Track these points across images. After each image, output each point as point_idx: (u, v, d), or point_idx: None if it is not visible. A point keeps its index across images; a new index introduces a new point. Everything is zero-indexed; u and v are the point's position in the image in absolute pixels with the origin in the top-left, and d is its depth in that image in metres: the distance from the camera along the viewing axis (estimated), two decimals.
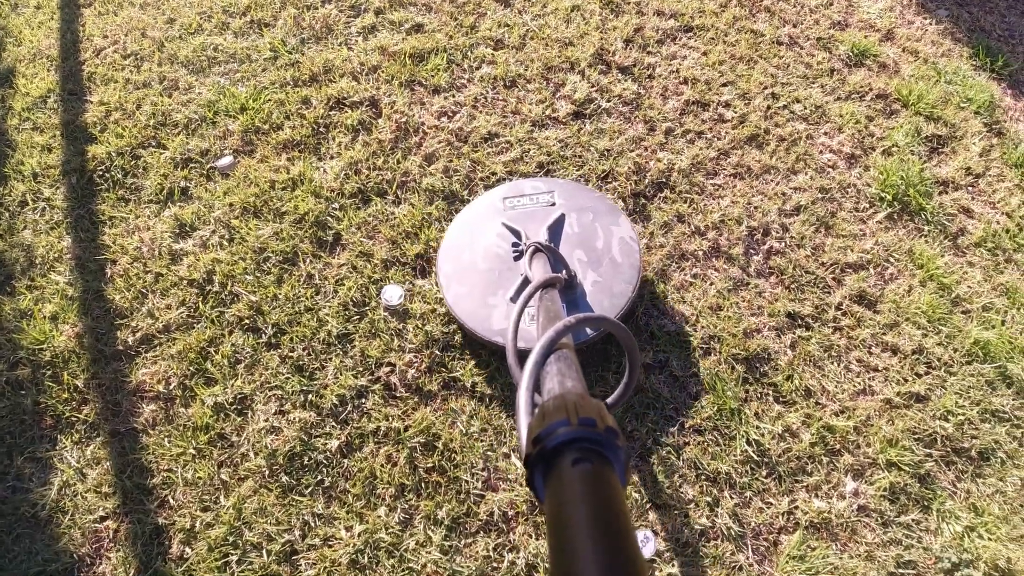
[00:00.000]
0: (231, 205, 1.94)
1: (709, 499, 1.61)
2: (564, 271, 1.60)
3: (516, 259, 1.76)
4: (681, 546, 1.55)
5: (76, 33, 2.44)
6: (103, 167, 2.07)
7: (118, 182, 2.04)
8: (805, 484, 1.64)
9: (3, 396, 1.78)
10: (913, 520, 1.60)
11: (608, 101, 2.11)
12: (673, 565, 1.53)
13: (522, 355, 0.96)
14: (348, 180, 1.96)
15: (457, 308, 1.70)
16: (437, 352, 1.72)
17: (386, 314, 1.76)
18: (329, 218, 1.91)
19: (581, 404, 0.55)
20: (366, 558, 1.52)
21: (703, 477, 1.63)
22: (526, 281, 1.65)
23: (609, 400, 0.99)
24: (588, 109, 2.09)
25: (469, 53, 2.21)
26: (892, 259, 1.99)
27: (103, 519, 1.62)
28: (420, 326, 1.74)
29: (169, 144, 2.08)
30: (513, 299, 1.70)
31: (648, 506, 1.59)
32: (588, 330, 1.64)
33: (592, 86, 2.13)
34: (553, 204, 1.84)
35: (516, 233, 1.79)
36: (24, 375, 1.79)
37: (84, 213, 2.01)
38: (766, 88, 2.28)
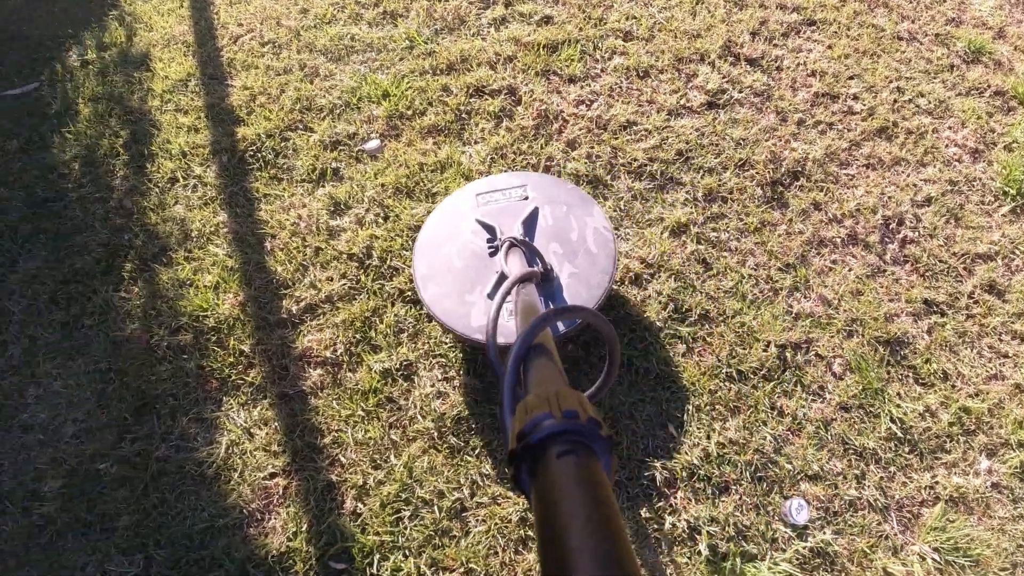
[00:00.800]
0: (383, 185, 2.07)
1: (857, 472, 1.70)
2: (540, 265, 1.64)
3: (492, 255, 1.77)
4: (831, 515, 1.65)
5: (209, 20, 2.59)
6: (253, 147, 2.22)
7: (269, 162, 2.18)
8: (944, 461, 1.73)
9: (165, 360, 1.91)
10: None
11: (740, 92, 2.21)
12: (825, 532, 1.64)
13: (502, 351, 1.02)
14: (495, 163, 2.08)
15: (435, 308, 1.72)
16: (592, 330, 1.81)
17: None
18: None
19: (563, 397, 0.56)
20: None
21: (850, 451, 1.72)
22: (503, 277, 1.65)
23: (590, 391, 1.00)
24: (721, 99, 2.19)
25: (600, 44, 2.33)
26: (1018, 251, 2.07)
27: (272, 476, 1.74)
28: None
29: (316, 127, 2.22)
30: (491, 296, 1.71)
31: (800, 476, 1.67)
32: (568, 321, 1.69)
33: (723, 77, 2.23)
34: (526, 198, 1.86)
35: (490, 229, 1.81)
36: (186, 340, 1.93)
37: (237, 190, 2.15)
38: (891, 82, 2.36)
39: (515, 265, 1.54)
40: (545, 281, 1.71)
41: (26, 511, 1.86)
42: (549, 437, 0.52)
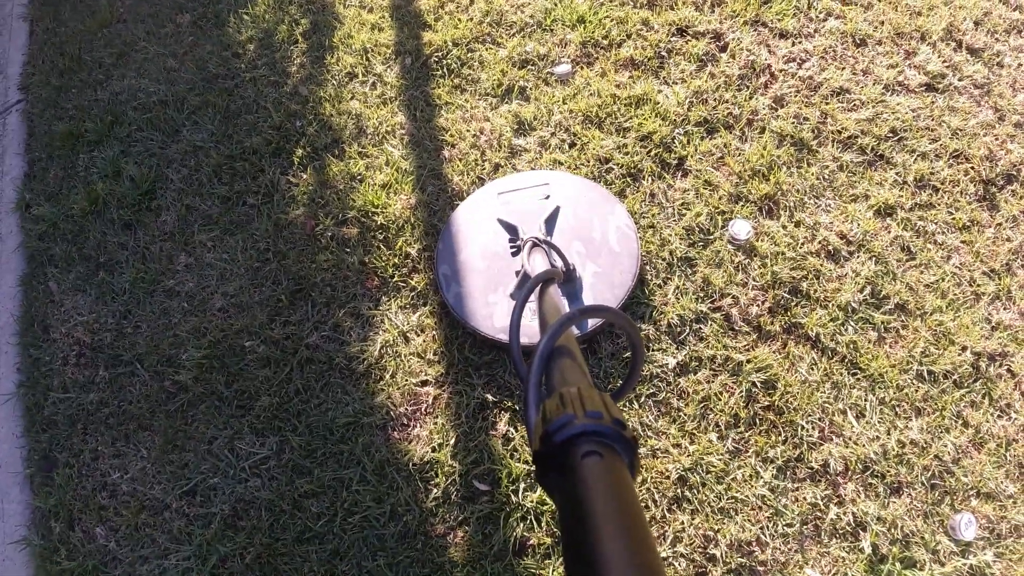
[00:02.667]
0: (572, 111, 2.00)
1: None
2: (562, 264, 1.63)
3: (514, 255, 1.79)
4: (996, 536, 1.56)
5: None
6: (439, 54, 2.17)
7: (454, 71, 2.13)
8: None
9: (327, 250, 1.89)
10: None
11: (959, 80, 2.07)
12: (987, 552, 1.55)
13: (525, 351, 0.94)
14: (693, 108, 1.99)
15: (459, 309, 1.74)
16: (783, 295, 1.74)
17: (731, 247, 1.78)
18: (674, 141, 1.94)
19: (586, 397, 0.55)
20: (695, 477, 1.56)
21: None
22: (525, 276, 1.66)
23: (614, 392, 0.95)
24: (940, 84, 2.05)
25: (815, 3, 2.20)
26: None
27: (424, 383, 1.72)
28: (767, 265, 1.76)
29: (506, 43, 2.16)
30: (513, 296, 1.73)
31: (972, 492, 1.57)
32: (584, 323, 1.66)
33: (944, 61, 2.09)
34: (548, 197, 1.85)
35: (512, 229, 1.82)
36: (352, 234, 1.90)
37: (418, 94, 2.11)
38: None
39: (537, 264, 1.54)
40: (568, 280, 1.69)
41: (158, 375, 1.88)
42: (573, 438, 0.52)
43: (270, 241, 1.98)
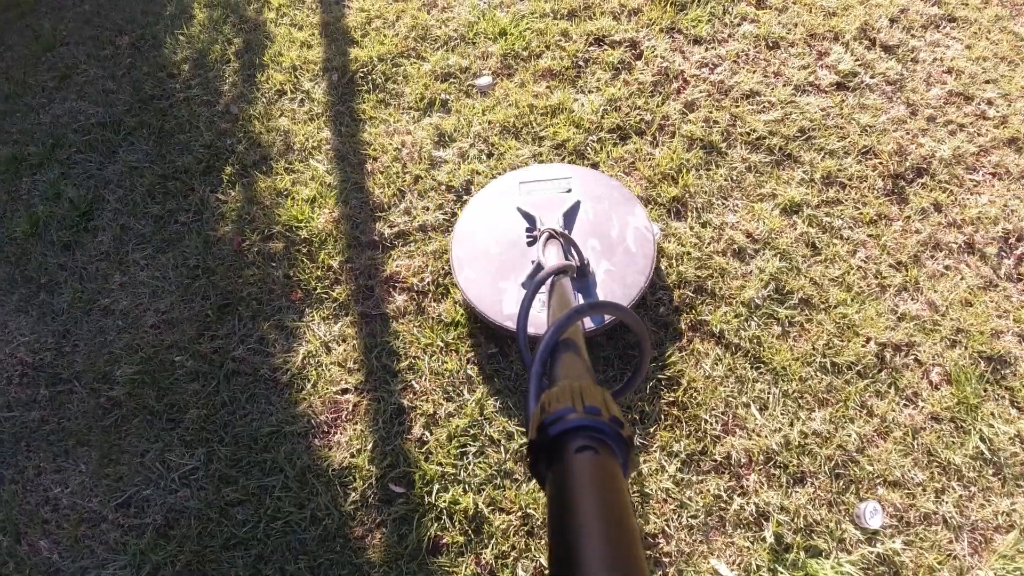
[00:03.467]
0: (490, 123, 2.08)
1: (937, 486, 1.65)
2: (577, 258, 1.64)
3: (529, 244, 1.79)
4: (905, 524, 1.61)
5: None
6: (364, 70, 2.25)
7: (379, 86, 2.21)
8: None
9: (254, 265, 1.96)
10: None
11: (872, 77, 2.14)
12: (895, 540, 1.60)
13: (532, 341, 0.98)
14: (607, 115, 2.07)
15: (468, 292, 1.75)
16: (688, 293, 1.80)
17: None
18: (587, 148, 2.01)
19: (587, 392, 0.56)
20: None
21: (935, 464, 1.68)
22: (538, 267, 1.67)
23: (616, 389, 0.98)
24: (852, 82, 2.12)
25: (730, 8, 2.28)
26: None
27: (344, 392, 1.78)
28: (673, 265, 1.83)
29: (430, 58, 2.23)
30: (525, 285, 1.73)
31: (879, 481, 1.63)
32: (599, 318, 1.69)
33: (856, 60, 2.17)
34: (569, 191, 1.86)
35: (530, 218, 1.82)
36: (277, 248, 1.97)
37: (344, 110, 2.18)
38: None
39: (552, 256, 1.54)
40: (580, 275, 1.71)
41: (94, 392, 1.94)
42: (569, 431, 0.52)
43: (200, 258, 2.05)
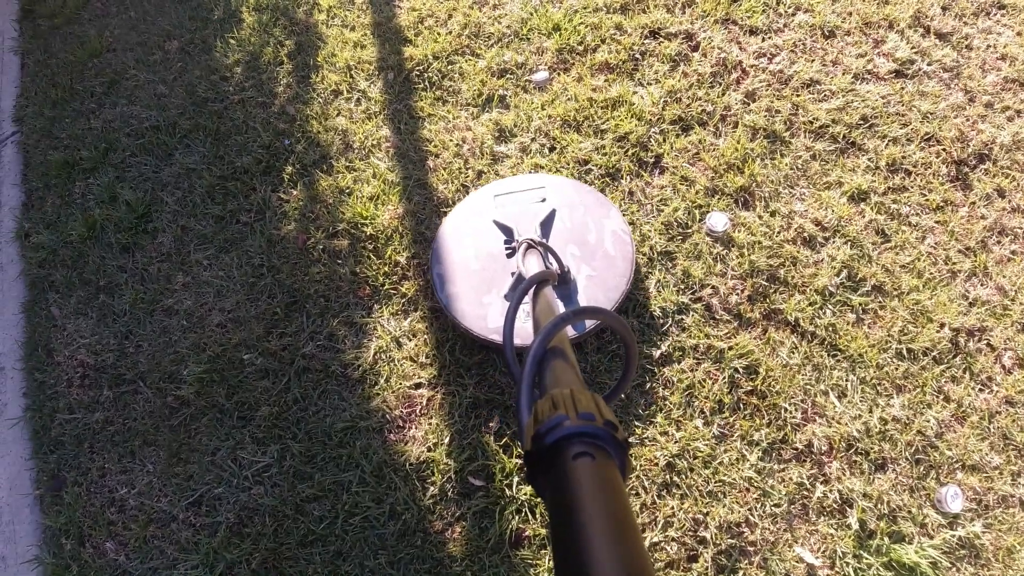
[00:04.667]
0: (550, 117, 2.09)
1: (1014, 468, 1.66)
2: (557, 266, 1.65)
3: (509, 256, 1.81)
4: (984, 508, 1.62)
5: None
6: (419, 68, 2.26)
7: (435, 83, 2.22)
8: None
9: (320, 262, 1.97)
10: None
11: (928, 65, 2.14)
12: (975, 524, 1.60)
13: (519, 352, 0.99)
14: (668, 107, 2.07)
15: (452, 309, 1.77)
16: (762, 282, 1.81)
17: (709, 239, 1.85)
18: (650, 140, 2.02)
19: (579, 398, 0.56)
20: (683, 463, 1.62)
21: (1011, 447, 1.68)
22: (519, 278, 1.68)
23: (607, 393, 0.98)
24: (909, 70, 2.13)
25: None
26: None
27: (418, 386, 1.79)
28: (744, 255, 1.83)
29: (484, 54, 2.25)
30: (508, 297, 1.76)
31: (958, 465, 1.63)
32: (584, 324, 1.71)
33: (912, 47, 2.17)
34: (544, 200, 1.88)
35: (507, 230, 1.84)
36: (343, 245, 1.98)
37: (401, 108, 2.19)
38: None
39: (532, 266, 1.56)
40: (562, 283, 1.73)
41: (160, 392, 1.95)
42: (565, 439, 0.53)
43: (264, 256, 2.07)
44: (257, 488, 1.78)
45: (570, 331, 1.70)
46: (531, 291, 1.25)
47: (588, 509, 0.46)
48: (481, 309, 1.77)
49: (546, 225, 1.86)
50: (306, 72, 2.42)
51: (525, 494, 1.65)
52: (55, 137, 2.61)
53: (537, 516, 1.63)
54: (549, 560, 1.60)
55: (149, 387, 1.99)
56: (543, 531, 1.62)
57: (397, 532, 1.67)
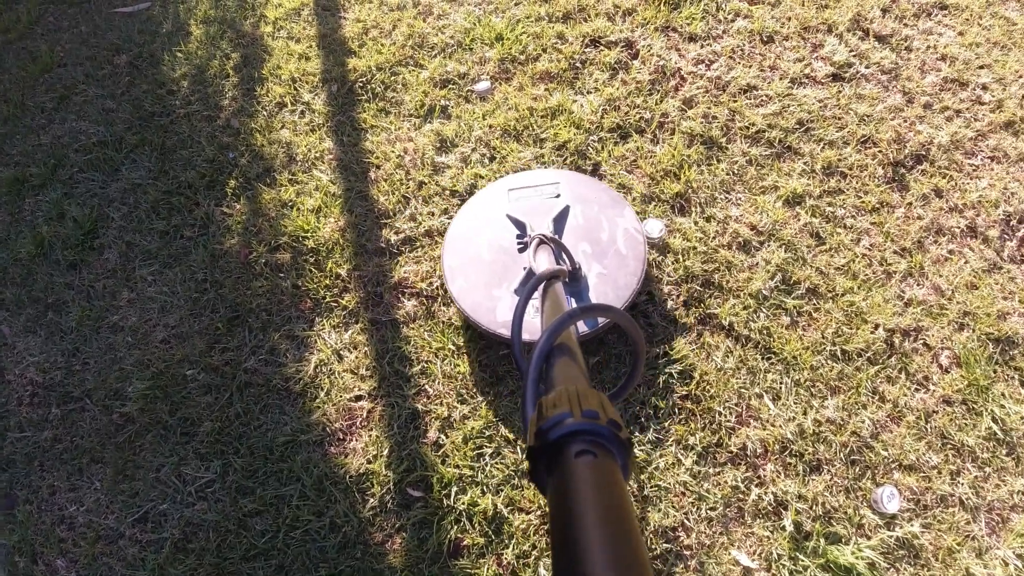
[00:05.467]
0: (491, 126, 2.10)
1: (952, 468, 1.67)
2: (568, 263, 1.65)
3: (521, 251, 1.81)
4: (922, 508, 1.63)
5: None
6: (363, 79, 2.27)
7: (378, 94, 2.23)
8: None
9: (262, 276, 1.98)
10: None
11: (867, 67, 2.17)
12: (913, 524, 1.61)
13: (527, 347, 1.01)
14: (607, 115, 2.09)
15: (462, 301, 1.77)
16: (696, 287, 1.82)
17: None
18: (589, 148, 2.04)
19: (584, 396, 0.56)
20: None
21: (948, 446, 1.70)
22: (530, 273, 1.67)
23: (613, 392, 0.98)
24: (847, 73, 2.16)
25: (724, 5, 2.32)
26: None
27: (358, 399, 1.79)
28: (680, 260, 1.85)
29: (427, 65, 2.27)
30: (518, 291, 1.75)
31: (894, 465, 1.65)
32: (592, 321, 1.69)
33: (851, 51, 2.20)
34: (558, 196, 1.88)
35: (520, 225, 1.84)
36: (285, 259, 1.99)
37: (345, 120, 2.21)
38: (1021, 76, 2.28)
39: (543, 262, 1.55)
40: (572, 280, 1.73)
41: (106, 409, 1.95)
42: (567, 436, 0.52)
43: (207, 271, 2.07)
44: (201, 504, 1.78)
45: (582, 327, 1.71)
46: (541, 287, 1.25)
47: (587, 507, 0.46)
48: (491, 302, 1.76)
49: (559, 221, 1.85)
50: (251, 85, 2.43)
51: (463, 503, 1.66)
52: (6, 154, 2.61)
53: (476, 525, 1.64)
54: (487, 569, 1.61)
55: (95, 404, 1.98)
56: (481, 540, 1.63)
57: (337, 545, 1.67)
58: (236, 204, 2.19)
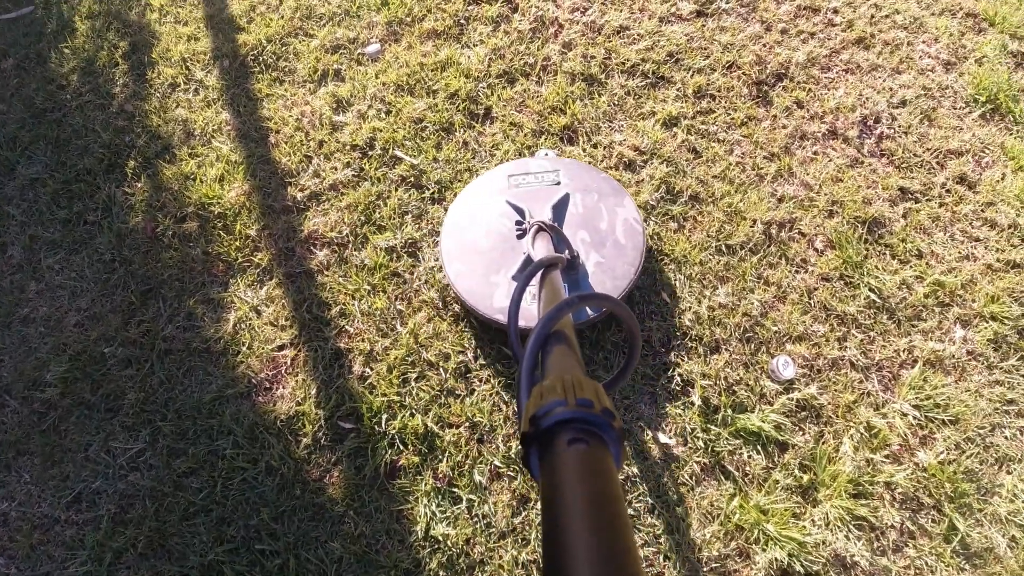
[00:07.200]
0: (384, 84, 2.21)
1: (839, 335, 1.85)
2: (567, 251, 1.66)
3: (519, 238, 1.81)
4: (816, 372, 1.79)
5: None
6: (255, 52, 2.35)
7: (271, 65, 2.31)
8: (920, 328, 1.87)
9: (171, 248, 2.02)
10: (1013, 366, 1.83)
11: (727, 3, 2.38)
12: (810, 387, 1.78)
13: (523, 334, 1.08)
14: (493, 63, 2.24)
15: (458, 285, 1.77)
16: None
17: None
18: (479, 94, 2.17)
19: (579, 384, 0.56)
20: None
21: (833, 316, 1.87)
22: (528, 260, 1.68)
23: (608, 381, 0.99)
24: (709, 9, 2.37)
25: None
26: (987, 150, 2.25)
27: (280, 348, 1.86)
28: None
29: (317, 34, 2.36)
30: (515, 278, 1.76)
31: (785, 338, 1.82)
32: (589, 310, 1.71)
33: None
34: (558, 183, 1.89)
35: (520, 211, 1.84)
36: (192, 228, 2.05)
37: (240, 92, 2.27)
38: None
39: (542, 249, 1.56)
40: (570, 268, 1.73)
41: (26, 400, 1.94)
42: (561, 423, 0.53)
43: (114, 251, 2.09)
44: (134, 474, 1.80)
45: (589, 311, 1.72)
46: (539, 274, 1.24)
47: (577, 494, 0.46)
48: (488, 288, 1.76)
49: (559, 209, 1.85)
50: (142, 70, 2.46)
51: (394, 428, 1.75)
52: None
53: (409, 445, 1.72)
54: (425, 484, 1.69)
55: (15, 398, 1.97)
56: (416, 459, 1.71)
57: (276, 487, 1.72)
58: (137, 183, 2.21)
